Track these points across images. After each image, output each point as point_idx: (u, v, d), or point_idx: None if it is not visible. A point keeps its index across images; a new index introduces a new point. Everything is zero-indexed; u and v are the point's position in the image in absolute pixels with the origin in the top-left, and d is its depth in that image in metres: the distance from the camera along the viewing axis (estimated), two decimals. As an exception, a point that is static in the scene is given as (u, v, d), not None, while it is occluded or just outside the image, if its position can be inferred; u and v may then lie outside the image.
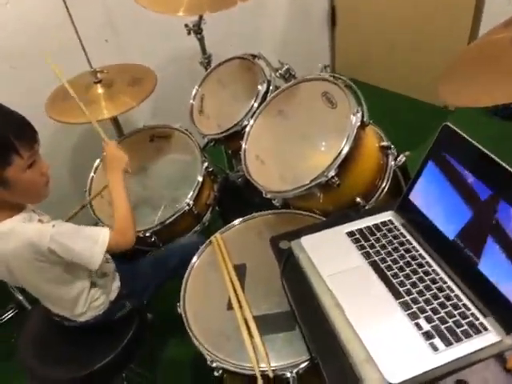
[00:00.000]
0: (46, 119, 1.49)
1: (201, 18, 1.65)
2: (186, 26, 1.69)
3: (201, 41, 1.74)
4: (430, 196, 0.89)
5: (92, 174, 1.55)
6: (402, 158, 1.26)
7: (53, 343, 1.27)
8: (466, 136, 0.81)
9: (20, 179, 0.97)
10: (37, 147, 1.00)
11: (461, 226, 0.82)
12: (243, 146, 1.31)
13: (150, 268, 1.36)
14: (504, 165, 0.74)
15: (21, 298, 1.78)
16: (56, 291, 1.14)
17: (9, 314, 1.87)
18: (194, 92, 1.63)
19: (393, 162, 1.24)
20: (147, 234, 1.40)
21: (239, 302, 1.07)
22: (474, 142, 0.80)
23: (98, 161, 1.57)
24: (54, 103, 1.54)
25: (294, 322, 0.99)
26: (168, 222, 1.41)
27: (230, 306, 1.07)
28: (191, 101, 1.62)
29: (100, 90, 1.56)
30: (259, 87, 1.41)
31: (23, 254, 1.00)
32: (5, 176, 0.94)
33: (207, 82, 1.63)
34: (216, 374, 0.98)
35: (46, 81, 1.65)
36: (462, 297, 0.79)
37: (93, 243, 1.07)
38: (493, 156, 0.76)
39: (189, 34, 1.71)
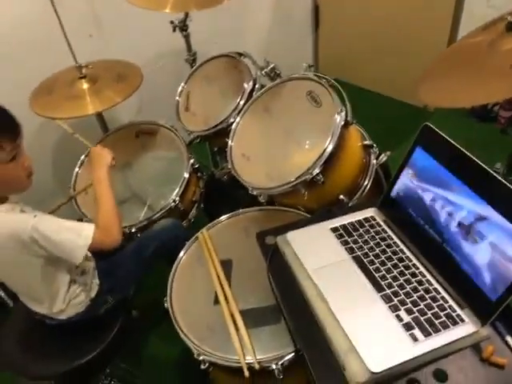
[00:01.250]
0: (31, 114, 1.47)
1: (187, 15, 1.66)
2: (172, 22, 1.69)
3: (186, 38, 1.74)
4: (410, 193, 0.92)
5: (77, 169, 1.55)
6: (383, 157, 1.29)
7: (37, 338, 1.27)
8: (444, 135, 0.84)
9: (2, 172, 0.97)
10: (19, 141, 1.00)
11: (439, 222, 0.85)
12: (229, 143, 1.33)
13: (128, 259, 1.35)
14: (479, 163, 0.77)
15: (2, 294, 1.76)
16: (35, 286, 1.13)
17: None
18: (179, 89, 1.64)
19: (375, 161, 1.28)
20: (133, 230, 1.41)
21: (225, 296, 1.09)
22: (452, 141, 0.83)
23: (83, 156, 1.56)
24: (39, 98, 1.52)
25: (280, 316, 1.02)
26: (154, 218, 1.41)
27: (216, 301, 1.09)
28: (177, 97, 1.63)
29: (85, 85, 1.55)
30: (245, 85, 1.43)
31: (5, 244, 1.00)
32: None
33: (193, 79, 1.64)
34: (203, 366, 0.99)
35: (31, 75, 1.64)
36: (441, 290, 0.83)
37: (76, 236, 1.06)
38: (469, 154, 0.79)
39: (174, 30, 1.71)
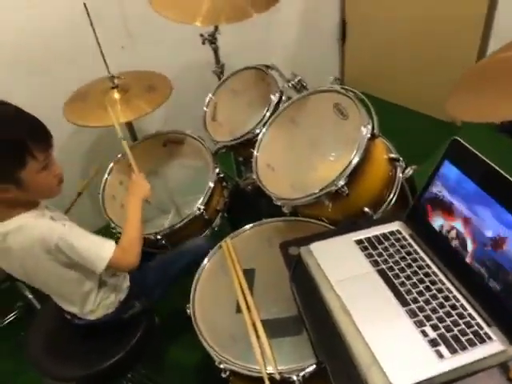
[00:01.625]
0: (63, 121, 1.52)
1: (216, 28, 1.69)
2: (201, 35, 1.73)
3: (215, 50, 1.78)
4: (438, 208, 0.91)
5: (106, 175, 1.59)
6: (409, 171, 1.28)
7: (62, 340, 1.30)
8: (474, 150, 0.84)
9: (33, 180, 1.00)
10: (51, 151, 1.04)
11: (467, 238, 0.84)
12: (255, 153, 1.35)
13: (158, 270, 1.39)
14: (509, 178, 0.76)
15: (30, 296, 1.81)
16: (66, 288, 1.17)
17: (17, 313, 1.89)
18: (207, 99, 1.67)
19: (401, 174, 1.27)
20: (158, 237, 1.43)
21: (248, 305, 1.09)
22: (482, 156, 0.82)
23: (112, 164, 1.60)
24: (72, 106, 1.58)
25: (302, 327, 1.01)
26: (179, 225, 1.44)
27: (238, 309, 1.10)
28: (205, 108, 1.66)
29: (116, 95, 1.60)
30: (272, 97, 1.44)
31: (33, 249, 1.03)
32: (19, 177, 0.97)
33: (221, 90, 1.67)
34: (223, 375, 1.00)
35: (64, 84, 1.70)
36: (468, 306, 0.81)
37: (99, 248, 1.11)
38: (500, 170, 0.78)
39: (203, 43, 1.75)
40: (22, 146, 0.96)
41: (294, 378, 0.93)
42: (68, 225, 1.08)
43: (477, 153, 0.83)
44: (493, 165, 0.80)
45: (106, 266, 1.11)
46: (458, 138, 0.87)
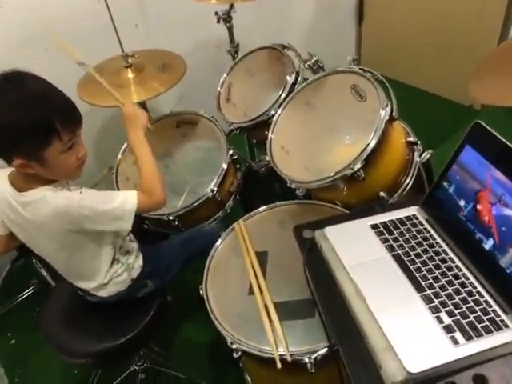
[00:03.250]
0: (77, 100, 1.51)
1: (232, 6, 1.66)
2: (216, 13, 1.70)
3: (230, 29, 1.75)
4: (457, 193, 0.89)
5: (119, 156, 1.58)
6: (426, 155, 1.26)
7: (76, 318, 1.31)
8: (497, 134, 0.81)
9: (56, 159, 0.99)
10: (78, 132, 1.03)
11: (487, 224, 0.82)
12: (269, 135, 1.33)
13: (174, 251, 1.39)
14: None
15: (45, 273, 1.84)
16: (79, 260, 1.16)
17: (32, 289, 1.93)
18: (221, 80, 1.64)
19: (418, 159, 1.25)
20: (171, 218, 1.43)
21: (260, 287, 1.09)
22: (504, 140, 0.80)
23: (125, 144, 1.60)
24: (86, 85, 1.57)
25: (314, 310, 1.01)
26: (192, 207, 1.43)
27: (250, 291, 1.10)
28: (219, 88, 1.63)
29: (130, 74, 1.58)
30: (287, 78, 1.42)
31: (54, 221, 1.03)
32: (42, 155, 0.97)
33: (235, 70, 1.65)
34: (235, 355, 1.00)
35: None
36: (484, 293, 0.80)
37: (122, 203, 1.08)
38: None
39: (218, 22, 1.72)
40: (48, 125, 0.94)
41: (306, 359, 0.94)
42: (84, 190, 1.06)
43: (500, 137, 0.81)
44: (516, 149, 0.77)
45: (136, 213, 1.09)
46: (480, 122, 0.85)
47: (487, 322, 0.75)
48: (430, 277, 0.84)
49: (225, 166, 1.48)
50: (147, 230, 1.51)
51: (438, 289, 0.82)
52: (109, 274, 1.21)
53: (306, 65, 1.41)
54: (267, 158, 1.31)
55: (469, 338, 0.73)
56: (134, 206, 1.09)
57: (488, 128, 0.83)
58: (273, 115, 1.37)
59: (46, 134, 0.95)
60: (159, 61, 1.64)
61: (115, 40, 1.65)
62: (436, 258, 0.87)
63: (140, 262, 1.30)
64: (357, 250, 0.91)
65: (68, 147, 1.00)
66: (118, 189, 1.53)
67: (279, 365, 0.94)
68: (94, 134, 2.07)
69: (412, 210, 0.99)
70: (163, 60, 1.65)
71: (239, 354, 1.00)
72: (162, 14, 2.03)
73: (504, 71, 1.17)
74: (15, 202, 1.04)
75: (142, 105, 1.73)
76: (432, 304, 0.79)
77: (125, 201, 1.09)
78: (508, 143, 0.79)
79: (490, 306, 0.78)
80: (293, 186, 1.23)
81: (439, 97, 2.65)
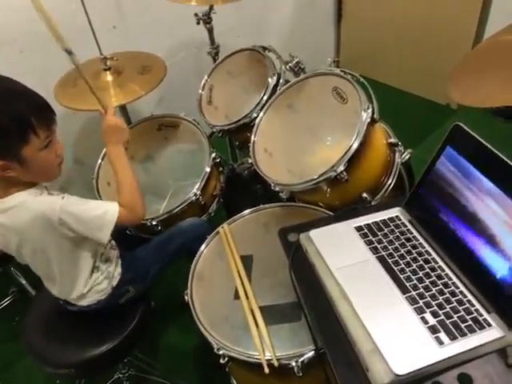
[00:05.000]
0: (55, 104, 1.48)
1: (211, 7, 1.65)
2: (196, 15, 1.69)
3: (210, 31, 1.74)
4: (438, 194, 0.90)
5: (99, 160, 1.55)
6: (406, 155, 1.27)
7: (58, 327, 1.29)
8: (477, 136, 0.83)
9: (35, 158, 0.98)
10: (54, 128, 1.02)
11: (468, 223, 0.83)
12: (252, 138, 1.33)
13: (152, 252, 1.37)
14: (510, 163, 0.75)
15: (24, 282, 1.80)
16: (59, 267, 1.14)
17: (11, 298, 1.88)
18: (202, 82, 1.63)
19: (399, 159, 1.26)
20: (154, 223, 1.42)
21: (245, 291, 1.09)
22: (485, 142, 0.81)
23: (105, 149, 1.57)
24: (63, 89, 1.54)
25: (300, 313, 1.01)
26: (175, 211, 1.42)
27: (236, 296, 1.09)
28: (200, 91, 1.62)
29: (109, 77, 1.56)
30: (269, 80, 1.41)
31: (34, 226, 1.02)
32: (21, 153, 0.96)
33: (216, 72, 1.63)
34: (222, 361, 1.00)
35: (56, 66, 1.65)
36: (467, 293, 0.81)
37: (103, 214, 1.08)
38: (503, 157, 0.77)
39: (198, 23, 1.71)
40: (25, 121, 0.94)
41: (293, 363, 0.94)
42: (66, 196, 1.05)
43: (479, 139, 0.82)
44: (495, 151, 0.79)
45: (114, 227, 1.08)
46: (460, 124, 0.86)
47: (470, 322, 0.76)
48: (413, 278, 0.85)
49: (208, 170, 1.47)
50: (129, 235, 1.49)
51: (422, 289, 0.82)
52: (89, 283, 1.19)
53: (287, 67, 1.41)
54: (250, 161, 1.31)
55: (453, 337, 0.74)
56: (115, 219, 1.09)
57: (468, 130, 0.85)
58: (255, 118, 1.37)
59: (22, 131, 0.95)
60: (139, 63, 1.62)
61: (93, 42, 1.62)
62: (419, 258, 0.88)
63: (119, 269, 1.28)
64: (342, 252, 0.92)
65: (46, 144, 0.99)
66: (99, 193, 1.50)
67: (266, 369, 0.93)
68: (72, 138, 2.03)
69: (395, 212, 1.00)
70: (143, 62, 1.63)
71: (226, 359, 1.00)
72: (140, 15, 2.01)
73: (482, 72, 1.19)
74: None
75: (122, 108, 1.70)
76: (417, 305, 0.80)
77: (106, 211, 1.08)
78: (487, 144, 0.80)
79: (473, 306, 0.79)
80: (277, 188, 1.23)
81: (417, 96, 2.69)
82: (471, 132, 0.84)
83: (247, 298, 1.07)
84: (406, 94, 2.74)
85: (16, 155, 0.96)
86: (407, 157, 1.28)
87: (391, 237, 0.93)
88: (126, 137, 1.24)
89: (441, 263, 0.87)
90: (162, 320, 1.69)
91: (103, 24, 1.88)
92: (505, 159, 0.77)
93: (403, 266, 0.87)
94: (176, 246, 1.37)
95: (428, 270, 0.86)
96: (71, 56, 1.15)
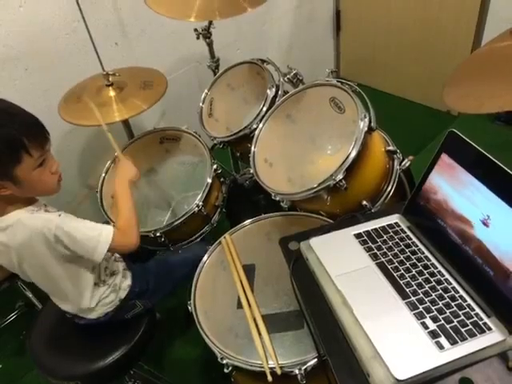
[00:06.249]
0: (59, 119, 1.51)
1: (210, 23, 1.68)
2: (196, 30, 1.72)
3: (210, 45, 1.77)
4: (436, 200, 0.92)
5: (103, 174, 1.58)
6: (406, 162, 1.28)
7: (64, 338, 1.30)
8: (471, 142, 0.84)
9: (29, 177, 1.00)
10: (48, 147, 1.03)
11: (466, 229, 0.84)
12: (252, 149, 1.34)
13: (162, 275, 1.38)
14: (507, 170, 0.76)
15: (30, 295, 1.81)
16: (61, 284, 1.16)
17: (18, 312, 1.90)
18: (203, 95, 1.66)
19: (398, 166, 1.27)
20: (157, 235, 1.43)
21: (248, 300, 1.10)
22: (479, 148, 0.82)
23: (109, 162, 1.60)
24: (67, 105, 1.56)
25: (302, 321, 1.02)
26: (177, 222, 1.43)
27: (239, 305, 1.10)
28: (201, 104, 1.65)
29: (112, 92, 1.59)
30: (268, 91, 1.44)
31: (31, 243, 1.03)
32: (15, 174, 0.97)
33: (216, 85, 1.66)
34: (226, 370, 1.00)
35: (59, 82, 1.69)
36: (467, 297, 0.82)
37: (97, 235, 1.09)
38: (498, 162, 0.78)
39: (198, 38, 1.74)
40: (17, 142, 0.95)
41: (296, 371, 0.94)
42: (63, 215, 1.07)
43: (474, 145, 0.83)
44: (491, 157, 0.79)
45: (107, 250, 1.09)
46: (455, 130, 0.87)
47: (471, 326, 0.77)
48: (413, 283, 0.85)
49: (209, 181, 1.49)
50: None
51: (421, 295, 0.83)
52: (95, 297, 1.21)
53: (285, 78, 1.44)
54: (251, 171, 1.32)
55: (453, 342, 0.75)
56: (109, 241, 1.10)
57: (463, 136, 0.86)
58: (255, 129, 1.39)
59: (14, 151, 0.96)
60: (140, 78, 1.65)
61: (95, 59, 1.65)
62: (419, 264, 0.89)
63: (128, 281, 1.29)
64: (342, 259, 0.93)
65: (40, 163, 1.01)
66: (103, 206, 1.52)
67: (270, 378, 0.94)
68: (76, 154, 2.06)
69: (394, 218, 1.01)
70: (144, 77, 1.66)
71: (230, 368, 1.00)
72: (141, 32, 2.05)
73: (477, 79, 1.20)
74: None
75: (125, 122, 1.73)
76: (417, 310, 0.81)
77: (101, 233, 1.10)
78: (482, 150, 0.81)
79: (473, 310, 0.80)
80: (277, 198, 1.24)
81: (418, 103, 2.72)
82: (466, 139, 0.85)
83: (250, 306, 1.08)
84: (406, 101, 2.76)
85: (9, 175, 0.97)
86: (407, 164, 1.29)
87: (390, 243, 0.94)
88: (135, 178, 1.31)
89: (440, 268, 0.88)
90: (167, 331, 1.70)
91: (105, 41, 1.92)
92: (501, 166, 0.78)
93: (403, 271, 0.88)
94: (184, 274, 1.37)
95: (427, 275, 0.87)
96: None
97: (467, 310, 0.80)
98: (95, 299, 1.21)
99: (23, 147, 0.96)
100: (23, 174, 0.98)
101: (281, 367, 0.95)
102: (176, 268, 1.41)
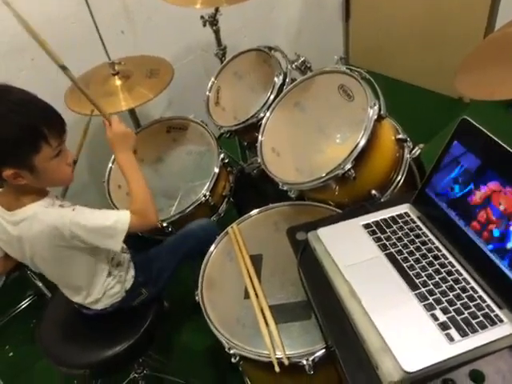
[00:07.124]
0: (66, 110, 1.51)
1: (217, 9, 1.66)
2: (202, 17, 1.70)
3: (216, 32, 1.74)
4: (447, 189, 0.90)
5: (110, 164, 1.57)
6: (416, 151, 1.26)
7: (73, 328, 1.31)
8: (484, 130, 0.82)
9: (47, 167, 1.00)
10: (64, 137, 1.03)
11: (477, 220, 0.82)
12: (259, 138, 1.33)
13: (165, 254, 1.37)
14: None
15: (40, 284, 1.83)
16: (75, 277, 1.17)
17: (28, 301, 1.92)
18: (210, 84, 1.64)
19: (408, 155, 1.25)
20: (164, 224, 1.43)
21: (255, 291, 1.09)
22: (492, 136, 0.80)
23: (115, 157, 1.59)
24: (73, 94, 1.56)
25: (310, 312, 1.01)
26: (185, 212, 1.43)
27: (246, 295, 1.10)
28: (207, 92, 1.63)
29: (118, 81, 1.57)
30: (275, 79, 1.41)
31: (46, 238, 1.03)
32: (33, 162, 0.97)
33: (223, 73, 1.64)
34: (233, 360, 1.00)
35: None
36: (478, 289, 0.80)
37: (114, 222, 1.08)
38: (509, 149, 0.76)
39: (204, 25, 1.72)
40: (37, 131, 0.96)
41: (304, 362, 0.94)
42: (77, 208, 1.06)
43: (487, 133, 0.81)
44: (504, 145, 0.78)
45: (124, 237, 1.08)
46: (468, 118, 0.85)
47: (482, 318, 0.76)
48: (423, 274, 0.84)
49: (216, 170, 1.48)
50: (140, 237, 1.51)
51: (431, 286, 0.82)
52: (102, 288, 1.21)
53: (293, 66, 1.41)
54: (259, 160, 1.31)
55: (464, 334, 0.74)
56: (126, 227, 1.09)
57: (475, 124, 0.83)
58: (262, 117, 1.37)
59: (34, 140, 0.96)
60: (146, 67, 1.63)
61: (101, 48, 1.64)
62: (429, 255, 0.88)
63: (132, 272, 1.29)
64: (350, 250, 0.91)
65: (57, 153, 1.01)
66: (110, 197, 1.52)
67: (277, 368, 0.94)
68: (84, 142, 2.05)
69: (404, 208, 0.99)
70: (150, 66, 1.64)
71: (237, 358, 1.00)
72: (147, 19, 2.03)
73: (489, 65, 1.17)
74: (5, 222, 1.04)
75: (132, 111, 1.72)
76: (426, 302, 0.79)
77: (117, 220, 1.09)
78: (495, 138, 0.79)
79: (484, 302, 0.78)
80: (285, 187, 1.23)
81: (429, 90, 2.66)
82: (479, 126, 0.83)
83: (257, 297, 1.08)
84: (417, 88, 2.71)
85: (27, 164, 0.97)
86: (417, 152, 1.26)
87: (400, 233, 0.93)
88: (134, 141, 1.24)
89: (451, 259, 0.86)
90: (175, 320, 1.71)
91: (111, 29, 1.90)
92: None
93: (412, 262, 0.87)
94: (187, 249, 1.38)
95: (438, 266, 0.85)
96: (65, 71, 1.15)
97: (478, 301, 0.78)
98: (102, 290, 1.21)
99: (43, 136, 0.96)
100: (41, 164, 0.98)
101: (288, 358, 0.95)
102: (179, 246, 1.38)
